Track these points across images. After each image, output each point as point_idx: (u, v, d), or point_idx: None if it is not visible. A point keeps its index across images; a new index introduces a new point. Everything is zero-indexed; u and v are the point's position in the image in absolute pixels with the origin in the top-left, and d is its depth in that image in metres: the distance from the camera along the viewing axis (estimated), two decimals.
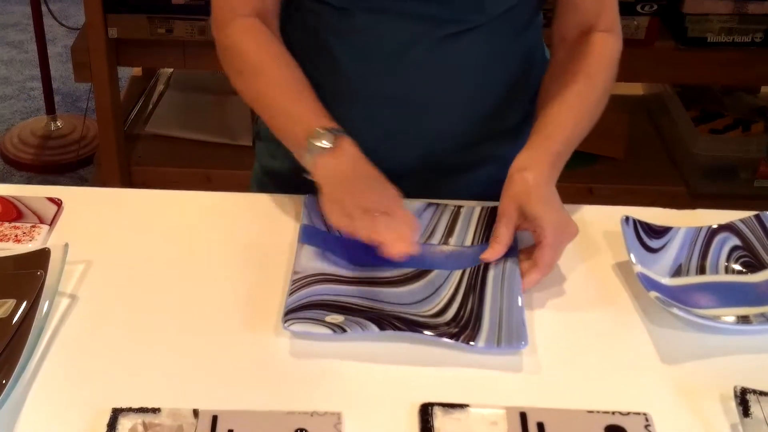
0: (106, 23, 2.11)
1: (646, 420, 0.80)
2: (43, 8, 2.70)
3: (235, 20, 1.07)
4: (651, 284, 0.95)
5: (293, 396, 0.83)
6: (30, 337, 0.84)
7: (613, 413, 0.81)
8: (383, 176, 0.98)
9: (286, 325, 0.87)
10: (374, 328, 0.88)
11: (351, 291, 0.95)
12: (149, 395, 0.82)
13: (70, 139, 2.82)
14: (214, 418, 0.78)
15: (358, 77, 1.09)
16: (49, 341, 0.88)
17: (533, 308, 0.95)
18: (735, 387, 0.82)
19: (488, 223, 1.05)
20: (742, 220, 1.04)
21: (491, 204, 1.06)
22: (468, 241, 1.03)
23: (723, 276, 1.00)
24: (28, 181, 2.70)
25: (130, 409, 0.79)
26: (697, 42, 2.19)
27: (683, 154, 2.43)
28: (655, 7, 2.14)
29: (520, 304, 0.91)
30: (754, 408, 0.80)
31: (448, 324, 0.91)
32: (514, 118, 1.16)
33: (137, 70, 2.80)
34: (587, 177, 2.33)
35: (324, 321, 0.88)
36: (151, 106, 2.60)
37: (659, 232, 1.02)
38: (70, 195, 1.09)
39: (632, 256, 0.97)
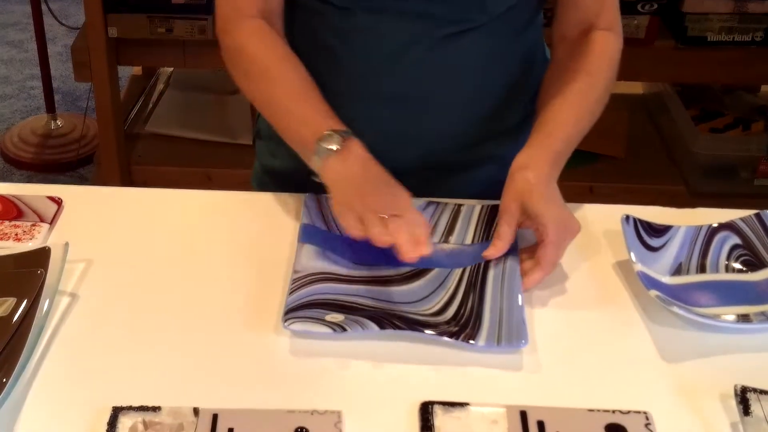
0: (106, 22, 2.11)
1: (647, 418, 0.80)
2: (43, 7, 2.70)
3: (240, 21, 1.06)
4: (651, 283, 0.95)
5: (293, 395, 0.83)
6: (30, 335, 0.85)
7: (614, 412, 0.81)
8: (392, 177, 0.98)
9: (286, 324, 0.87)
10: (374, 327, 0.88)
11: (351, 290, 0.95)
12: (150, 394, 0.82)
13: (70, 138, 2.82)
14: (215, 417, 0.78)
15: (359, 77, 1.09)
16: (49, 340, 0.88)
17: (533, 307, 0.95)
18: (735, 385, 0.82)
19: (488, 221, 1.05)
20: (742, 219, 1.04)
21: (492, 203, 1.06)
22: (468, 240, 1.03)
23: (723, 275, 1.00)
24: (29, 180, 2.70)
25: (130, 408, 0.79)
26: (697, 41, 2.19)
27: (683, 153, 2.43)
28: (655, 6, 2.14)
29: (520, 302, 0.91)
30: (755, 406, 0.80)
31: (448, 323, 0.91)
32: (514, 118, 1.16)
33: (137, 70, 2.80)
34: (587, 176, 2.33)
35: (324, 320, 0.88)
36: (151, 106, 2.61)
37: (659, 230, 1.02)
38: (71, 194, 1.09)
39: (632, 254, 0.97)
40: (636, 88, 2.72)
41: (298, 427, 0.78)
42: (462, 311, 0.92)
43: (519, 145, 1.02)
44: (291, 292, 0.92)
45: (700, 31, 2.17)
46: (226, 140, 2.45)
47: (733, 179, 2.40)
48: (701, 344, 0.91)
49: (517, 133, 1.14)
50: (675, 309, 0.90)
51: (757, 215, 1.04)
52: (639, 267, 0.96)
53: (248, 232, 1.05)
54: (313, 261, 0.98)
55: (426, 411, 0.80)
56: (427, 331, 0.88)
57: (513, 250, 0.98)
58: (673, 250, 1.01)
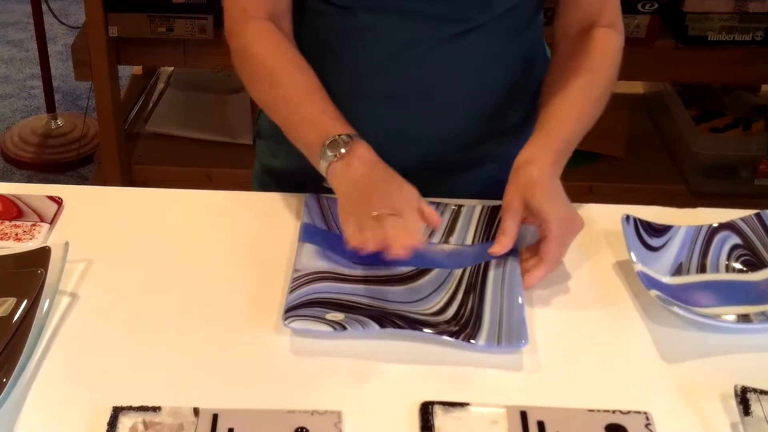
0: (107, 22, 2.11)
1: (647, 419, 0.80)
2: (44, 7, 2.70)
3: (247, 23, 1.06)
4: (651, 283, 0.95)
5: (293, 395, 0.83)
6: (30, 335, 0.85)
7: (614, 412, 0.81)
8: (399, 177, 0.98)
9: (286, 322, 0.87)
10: (375, 326, 0.88)
11: (351, 289, 0.95)
12: (150, 394, 0.82)
13: (70, 137, 2.82)
14: (215, 417, 0.78)
15: (360, 76, 1.09)
16: (49, 340, 0.88)
17: (533, 307, 0.95)
18: (735, 386, 0.82)
19: (489, 222, 1.05)
20: (742, 219, 1.04)
21: (492, 203, 1.06)
22: (468, 240, 1.03)
23: (723, 275, 1.00)
24: (29, 180, 2.70)
25: (130, 408, 0.79)
26: (697, 40, 2.19)
27: (684, 153, 2.43)
28: (656, 5, 2.14)
29: (520, 302, 0.91)
30: (755, 407, 0.80)
31: (448, 322, 0.91)
32: (515, 118, 1.16)
33: (138, 69, 2.80)
34: (588, 176, 2.33)
35: (324, 318, 0.88)
36: (151, 105, 2.61)
37: (660, 230, 1.02)
38: (71, 193, 1.09)
39: (633, 254, 0.97)
40: (636, 87, 2.72)
41: (298, 427, 0.78)
42: (462, 311, 0.92)
43: (519, 145, 1.02)
44: (291, 291, 0.92)
45: (701, 30, 2.17)
46: (226, 140, 2.45)
47: (733, 179, 2.40)
48: (701, 344, 0.91)
49: (517, 132, 1.14)
50: (675, 309, 0.90)
51: (758, 215, 1.04)
52: (639, 267, 0.96)
53: (248, 232, 1.05)
54: (314, 260, 0.98)
55: (426, 411, 0.80)
56: (428, 331, 0.88)
57: (513, 251, 0.98)
58: (673, 250, 1.01)
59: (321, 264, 0.97)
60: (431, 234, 1.04)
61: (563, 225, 0.96)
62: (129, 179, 2.35)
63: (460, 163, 1.16)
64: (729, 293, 0.97)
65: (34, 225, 1.04)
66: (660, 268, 0.99)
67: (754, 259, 1.00)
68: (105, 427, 0.77)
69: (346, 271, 0.98)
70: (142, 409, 0.79)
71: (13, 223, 1.04)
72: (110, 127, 2.26)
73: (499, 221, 1.02)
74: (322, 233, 1.02)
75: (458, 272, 0.98)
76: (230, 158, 2.36)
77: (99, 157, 2.42)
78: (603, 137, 2.28)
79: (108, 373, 0.85)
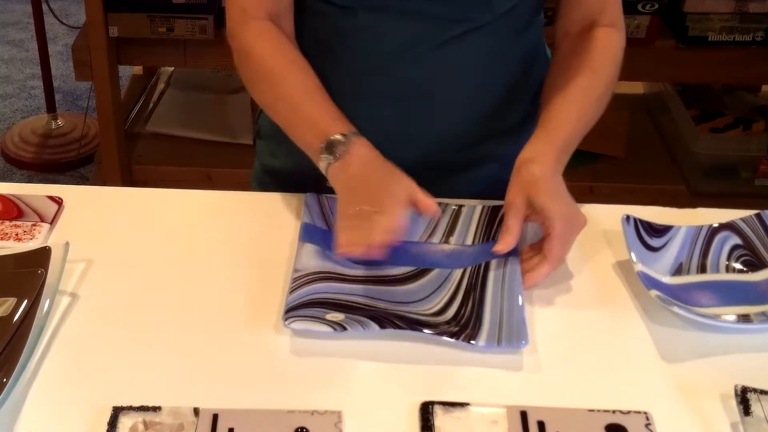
0: (107, 22, 2.11)
1: (647, 419, 0.80)
2: (44, 7, 2.70)
3: (247, 24, 1.06)
4: (651, 283, 0.95)
5: (294, 394, 0.83)
6: (30, 335, 0.84)
7: (614, 412, 0.81)
8: (397, 171, 0.97)
9: (286, 322, 0.87)
10: (375, 326, 0.88)
11: (351, 289, 0.95)
12: (150, 394, 0.82)
13: (70, 137, 2.82)
14: (215, 417, 0.78)
15: (360, 76, 1.09)
16: (49, 340, 0.88)
17: (534, 307, 0.95)
18: (735, 386, 0.82)
19: (489, 222, 1.05)
20: (742, 219, 1.04)
21: (492, 203, 1.06)
22: (469, 241, 1.03)
23: (724, 275, 1.00)
24: (29, 180, 2.70)
25: (130, 408, 0.79)
26: (697, 41, 2.19)
27: (684, 153, 2.43)
28: (656, 6, 2.14)
29: (520, 303, 0.91)
30: (755, 407, 0.80)
31: (448, 323, 0.91)
32: (515, 118, 1.16)
33: (138, 69, 2.80)
34: (588, 176, 2.33)
35: (324, 319, 0.88)
36: (151, 105, 2.61)
37: (660, 230, 1.02)
38: (71, 193, 1.09)
39: (633, 254, 0.97)
40: (637, 88, 2.72)
41: (298, 427, 0.78)
42: (462, 311, 0.92)
43: (520, 145, 1.02)
44: (291, 291, 0.92)
45: (701, 30, 2.17)
46: (226, 140, 2.45)
47: (733, 179, 2.40)
48: (701, 344, 0.91)
49: (517, 132, 1.14)
50: (675, 309, 0.90)
51: (758, 215, 1.04)
52: (639, 267, 0.96)
53: (248, 232, 1.05)
54: (314, 260, 0.98)
55: (426, 411, 0.80)
56: (428, 331, 0.88)
57: (513, 251, 0.98)
58: (673, 250, 1.01)
59: (321, 264, 0.97)
60: (431, 234, 1.04)
61: (566, 223, 0.96)
62: (129, 179, 2.35)
63: (460, 163, 1.16)
64: (729, 293, 0.97)
65: (34, 225, 1.04)
66: (660, 268, 0.99)
67: (754, 260, 1.00)
68: (105, 427, 0.77)
69: (346, 271, 0.98)
70: (142, 409, 0.79)
71: (14, 223, 1.04)
72: (110, 127, 2.26)
73: (500, 221, 1.02)
74: (322, 233, 1.02)
75: (458, 273, 0.98)
76: (230, 158, 2.36)
77: (99, 157, 2.43)
78: (603, 137, 2.28)
79: (108, 373, 0.85)
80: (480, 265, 0.98)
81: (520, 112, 1.16)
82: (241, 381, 0.84)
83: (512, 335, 0.87)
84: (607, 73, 1.08)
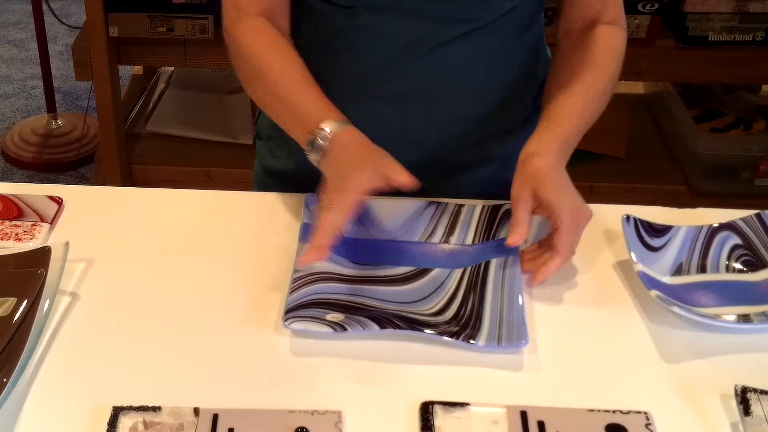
0: (107, 22, 2.11)
1: (647, 419, 0.80)
2: (44, 6, 2.70)
3: (241, 21, 1.06)
4: (652, 283, 0.95)
5: (294, 394, 0.83)
6: (30, 335, 0.84)
7: (614, 412, 0.81)
8: (372, 153, 0.97)
9: (286, 323, 0.87)
10: (375, 326, 0.88)
11: (351, 290, 0.95)
12: (150, 393, 0.82)
13: (70, 137, 2.82)
14: (215, 417, 0.78)
15: (361, 76, 1.09)
16: (49, 340, 0.88)
17: (534, 307, 0.95)
18: (735, 386, 0.82)
19: (489, 222, 1.04)
20: (743, 219, 1.04)
21: (492, 203, 1.06)
22: (469, 240, 1.03)
23: (724, 275, 1.00)
24: (29, 180, 2.70)
25: (130, 408, 0.79)
26: (698, 41, 2.19)
27: (684, 153, 2.43)
28: (657, 5, 2.14)
29: (520, 302, 0.91)
30: (755, 407, 0.80)
31: (448, 323, 0.91)
32: (516, 118, 1.16)
33: (138, 69, 2.80)
34: (588, 175, 2.32)
35: (324, 319, 0.88)
36: (151, 105, 2.61)
37: (660, 230, 1.02)
38: (71, 193, 1.09)
39: (633, 254, 0.97)
40: (637, 87, 2.72)
41: (298, 427, 0.78)
42: (462, 311, 0.92)
43: (520, 145, 1.02)
44: (291, 292, 0.92)
45: (702, 30, 2.17)
46: (226, 140, 2.45)
47: (733, 179, 2.40)
48: (702, 344, 0.91)
49: (518, 132, 1.14)
50: (675, 309, 0.90)
51: (758, 215, 1.04)
52: (639, 267, 0.96)
53: (249, 232, 1.05)
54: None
55: (426, 411, 0.80)
56: (428, 331, 0.88)
57: (514, 251, 0.98)
58: (673, 250, 1.01)
59: (321, 264, 0.97)
60: (431, 234, 1.04)
61: (574, 215, 0.96)
62: (129, 179, 2.35)
63: (461, 163, 1.16)
64: (729, 293, 0.97)
65: (34, 225, 1.04)
66: (660, 268, 0.99)
67: (754, 260, 1.00)
68: (105, 427, 0.77)
69: (346, 271, 0.98)
70: (142, 409, 0.79)
71: (14, 223, 1.04)
72: (110, 127, 2.26)
73: (500, 221, 1.02)
74: None
75: (458, 272, 0.98)
76: (230, 158, 2.36)
77: (99, 157, 2.43)
78: (604, 137, 2.29)
79: (108, 373, 0.85)
80: (480, 265, 0.98)
81: (521, 112, 1.16)
82: (241, 381, 0.84)
83: (512, 335, 0.87)
84: (609, 70, 1.08)
